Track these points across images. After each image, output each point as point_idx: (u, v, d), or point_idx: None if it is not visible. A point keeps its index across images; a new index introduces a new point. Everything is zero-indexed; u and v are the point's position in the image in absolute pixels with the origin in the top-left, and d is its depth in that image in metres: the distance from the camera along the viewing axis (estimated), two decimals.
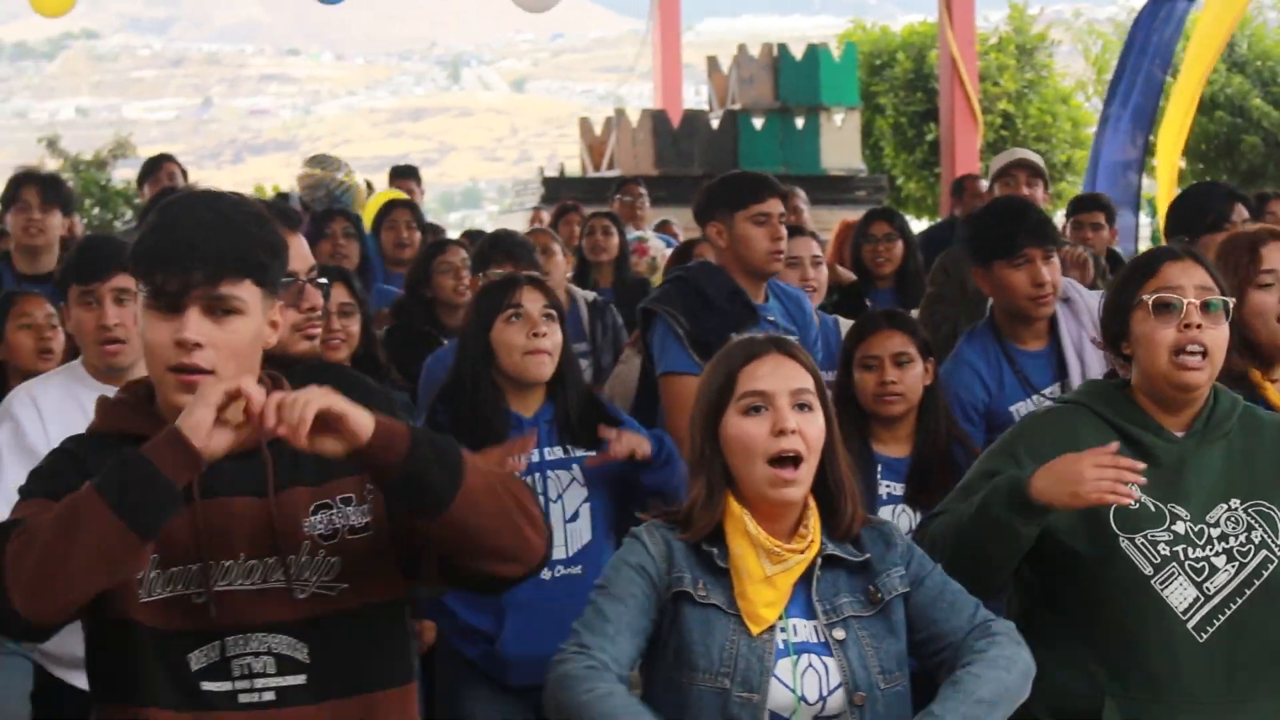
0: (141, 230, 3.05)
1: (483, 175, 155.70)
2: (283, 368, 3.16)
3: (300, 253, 3.90)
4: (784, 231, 6.01)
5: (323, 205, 9.49)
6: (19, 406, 4.75)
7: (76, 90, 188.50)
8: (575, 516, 5.06)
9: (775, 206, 5.95)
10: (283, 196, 11.02)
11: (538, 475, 5.00)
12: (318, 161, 10.31)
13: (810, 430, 3.41)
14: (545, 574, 4.74)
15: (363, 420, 2.83)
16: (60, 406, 4.65)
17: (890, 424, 5.23)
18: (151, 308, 2.96)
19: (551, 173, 18.93)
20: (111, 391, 4.57)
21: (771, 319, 5.94)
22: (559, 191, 16.17)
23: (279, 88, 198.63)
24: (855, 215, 9.57)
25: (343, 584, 3.04)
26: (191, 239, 2.93)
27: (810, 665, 3.39)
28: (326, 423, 2.81)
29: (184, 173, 9.61)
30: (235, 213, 3.01)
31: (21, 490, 3.03)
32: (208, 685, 2.98)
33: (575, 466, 5.08)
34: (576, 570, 5.01)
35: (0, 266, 7.32)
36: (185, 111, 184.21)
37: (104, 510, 2.76)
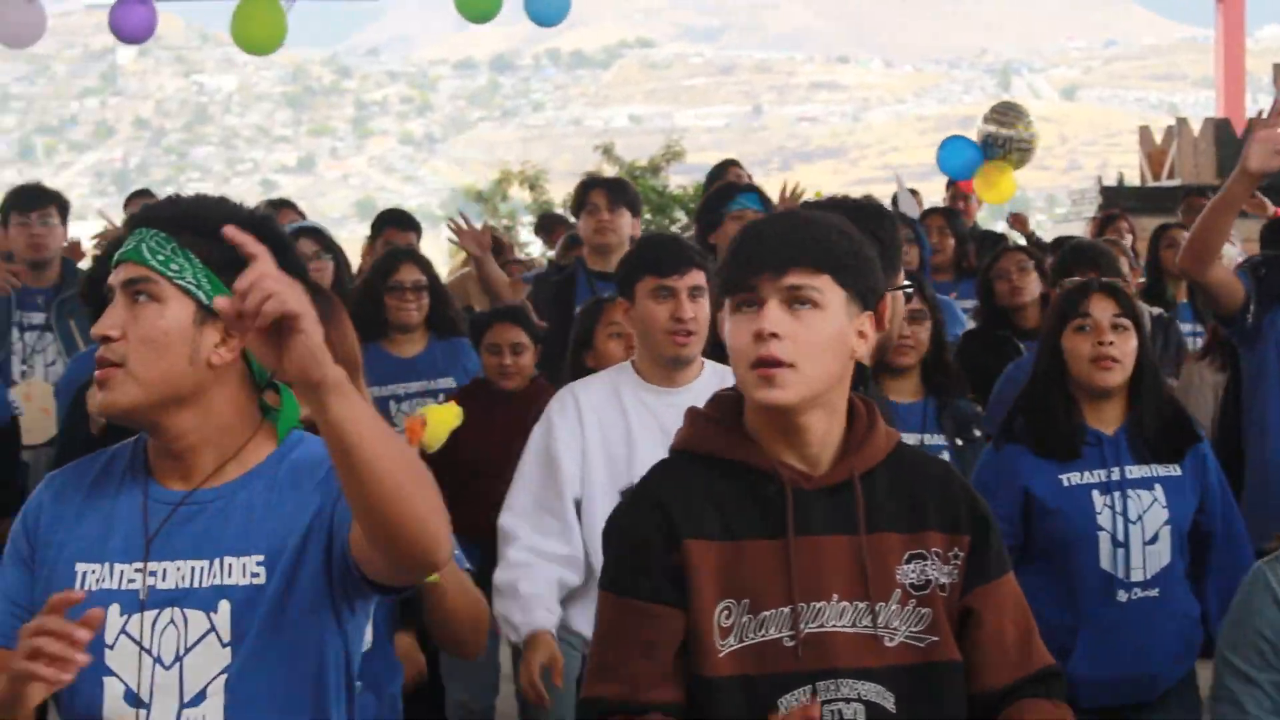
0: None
1: (1030, 183, 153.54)
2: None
3: None
4: None
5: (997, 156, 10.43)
6: (556, 407, 4.82)
7: (630, 98, 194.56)
8: (1155, 539, 4.78)
9: None
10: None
11: (1116, 494, 4.76)
12: (1000, 113, 10.65)
13: None
14: (1122, 595, 4.68)
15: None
16: (600, 407, 4.72)
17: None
18: (733, 309, 2.90)
19: (1109, 182, 18.39)
20: (658, 393, 4.73)
21: None
22: (1117, 200, 15.66)
23: (828, 95, 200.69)
24: None
25: (932, 637, 2.93)
26: (771, 233, 2.91)
27: None
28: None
29: (749, 177, 9.66)
30: (817, 218, 2.94)
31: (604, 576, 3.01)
32: None
33: (1158, 486, 4.81)
34: (1154, 593, 4.76)
35: (575, 267, 7.59)
36: (735, 119, 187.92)
37: None
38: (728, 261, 2.94)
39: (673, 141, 24.53)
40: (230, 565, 2.81)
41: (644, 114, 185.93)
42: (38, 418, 6.78)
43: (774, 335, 2.83)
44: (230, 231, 2.49)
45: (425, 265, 7.19)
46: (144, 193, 10.63)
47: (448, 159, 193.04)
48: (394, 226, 8.74)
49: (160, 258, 2.78)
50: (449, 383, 6.88)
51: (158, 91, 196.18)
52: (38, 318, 7.60)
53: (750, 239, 2.93)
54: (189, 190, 7.41)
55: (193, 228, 2.80)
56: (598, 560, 3.77)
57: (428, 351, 7.02)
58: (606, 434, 4.68)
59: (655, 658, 2.90)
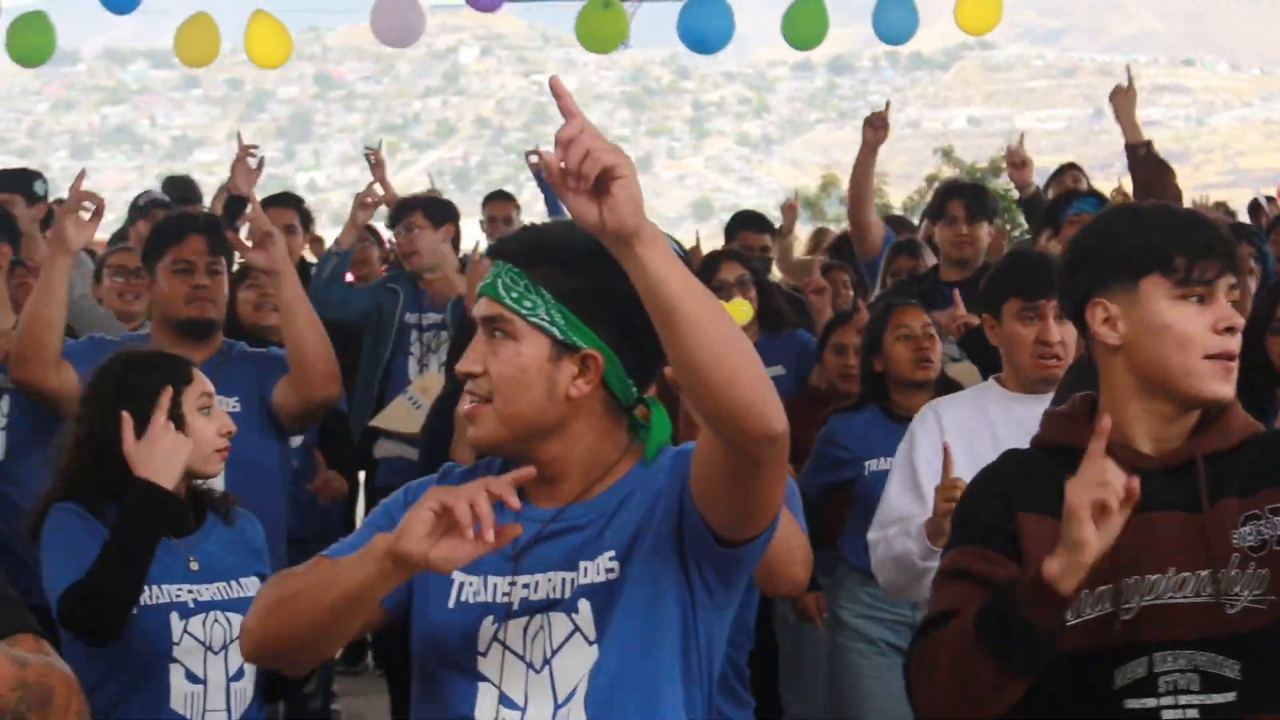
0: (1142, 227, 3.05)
1: None
2: None
3: None
4: None
5: None
6: (920, 423, 4.87)
7: (969, 100, 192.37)
8: None
9: None
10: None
11: None
12: None
13: None
14: None
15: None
16: (964, 422, 4.74)
17: None
18: (1180, 298, 2.98)
19: None
20: (1025, 401, 4.70)
21: None
22: None
23: (1171, 98, 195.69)
24: None
25: (1271, 596, 2.94)
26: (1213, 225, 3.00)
27: None
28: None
29: (1088, 181, 9.52)
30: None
31: (952, 539, 3.13)
32: (1131, 703, 2.96)
33: None
34: None
35: (927, 278, 7.57)
36: (1075, 121, 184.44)
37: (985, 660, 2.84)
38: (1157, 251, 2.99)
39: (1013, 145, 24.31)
40: (586, 567, 2.84)
41: (983, 116, 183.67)
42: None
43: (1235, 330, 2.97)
44: (554, 82, 2.50)
45: (746, 261, 7.21)
46: (501, 194, 10.71)
47: (784, 160, 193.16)
48: (749, 228, 8.74)
49: (514, 295, 2.80)
50: (779, 370, 6.91)
51: (499, 91, 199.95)
52: (434, 317, 7.84)
53: (1202, 230, 3.02)
54: (528, 189, 7.55)
55: (546, 260, 2.82)
56: None
57: (758, 344, 7.04)
58: (973, 444, 4.62)
59: (961, 583, 2.99)
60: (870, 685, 5.84)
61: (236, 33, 11.87)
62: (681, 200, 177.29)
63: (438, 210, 8.18)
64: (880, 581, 4.93)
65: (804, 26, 11.90)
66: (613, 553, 2.84)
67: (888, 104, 8.52)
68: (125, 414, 4.08)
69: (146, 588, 4.03)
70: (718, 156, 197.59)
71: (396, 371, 7.77)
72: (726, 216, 9.24)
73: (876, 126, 8.27)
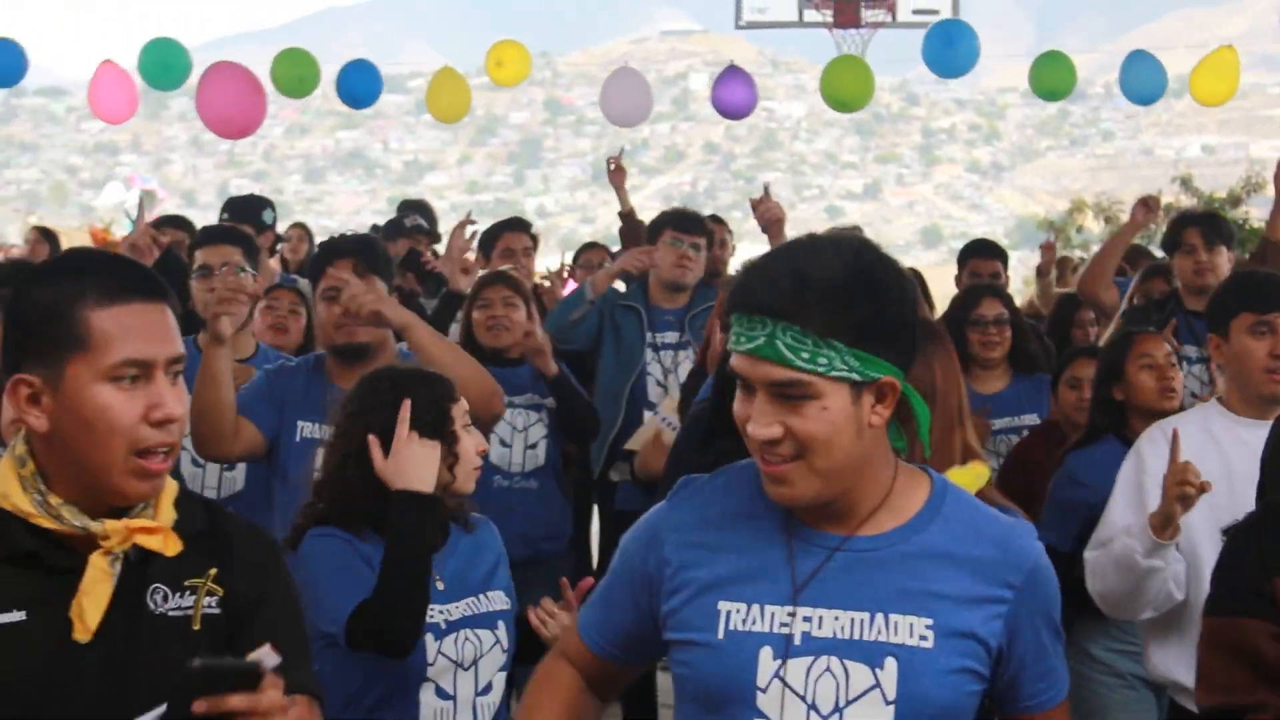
0: None
1: None
2: None
3: None
4: None
5: None
6: (1149, 443, 4.80)
7: (1203, 128, 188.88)
8: None
9: None
10: None
11: None
12: None
13: None
14: None
15: None
16: (1193, 444, 4.59)
17: None
18: None
19: None
20: (1253, 427, 4.56)
21: None
22: None
23: None
24: None
25: None
26: None
27: None
28: None
29: None
30: None
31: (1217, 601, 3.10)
32: None
33: None
34: None
35: (1167, 304, 7.46)
36: None
37: None
38: None
39: (1254, 173, 23.89)
40: (897, 623, 2.75)
41: (1218, 144, 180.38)
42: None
43: None
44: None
45: (1008, 300, 7.10)
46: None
47: (1014, 187, 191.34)
48: (978, 257, 8.65)
49: (804, 356, 2.66)
50: (1033, 419, 6.78)
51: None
52: (671, 337, 7.81)
53: None
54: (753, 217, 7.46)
55: (822, 308, 2.67)
56: (1194, 594, 3.92)
57: (1011, 388, 6.92)
58: (1202, 464, 4.49)
59: (1251, 667, 2.94)
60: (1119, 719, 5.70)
61: (468, 61, 12.15)
62: (910, 227, 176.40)
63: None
64: (1097, 594, 4.80)
65: (1051, 79, 11.90)
66: (930, 621, 2.75)
67: (1159, 195, 8.44)
68: (372, 436, 4.12)
69: None
70: (947, 184, 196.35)
71: (638, 392, 7.77)
72: (955, 244, 9.19)
73: (1151, 208, 8.14)
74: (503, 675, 4.23)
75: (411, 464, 4.09)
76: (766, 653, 2.76)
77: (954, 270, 8.78)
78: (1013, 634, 2.78)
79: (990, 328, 6.82)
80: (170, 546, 2.75)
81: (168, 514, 2.79)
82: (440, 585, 4.16)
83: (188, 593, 2.82)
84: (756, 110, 13.66)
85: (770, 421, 2.69)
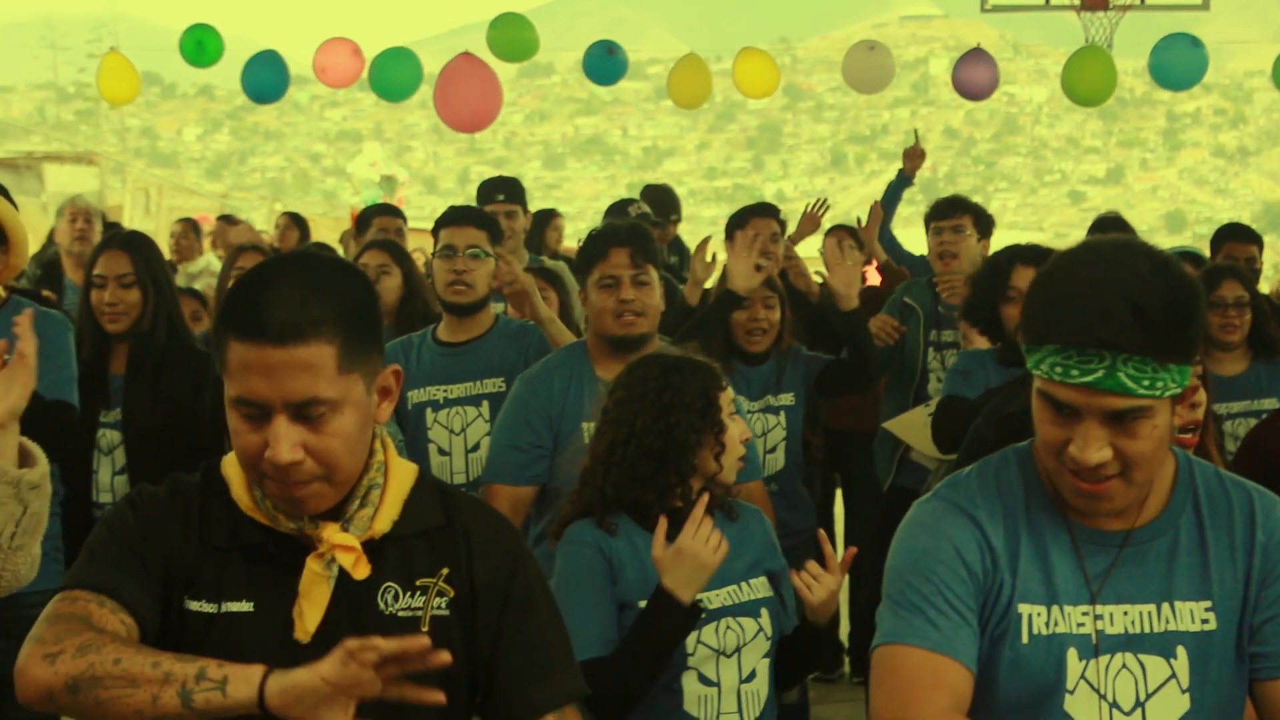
0: None
1: None
2: None
3: None
4: None
5: None
6: None
7: None
8: None
9: None
10: None
11: None
12: None
13: None
14: None
15: None
16: None
17: None
18: None
19: None
20: None
21: None
22: None
23: None
24: None
25: None
26: None
27: None
28: None
29: None
30: None
31: None
32: None
33: None
34: None
35: None
36: None
37: None
38: None
39: None
40: (1180, 610, 2.79)
41: None
42: None
43: None
44: None
45: (1248, 283, 7.01)
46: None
47: (1260, 173, 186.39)
48: (1235, 240, 8.51)
49: (1145, 384, 2.65)
50: (1271, 403, 6.70)
51: (969, 101, 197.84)
52: (949, 334, 7.66)
53: None
54: (997, 200, 7.48)
55: (1158, 332, 2.64)
56: None
57: (1250, 371, 6.88)
58: None
59: None
60: None
61: (708, 47, 12.33)
62: (1154, 213, 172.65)
63: None
64: None
65: None
66: (1209, 603, 2.80)
67: None
68: (663, 517, 4.00)
69: None
70: (1192, 168, 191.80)
71: (920, 393, 7.68)
72: (1200, 230, 9.08)
73: None
74: (766, 662, 4.17)
75: (689, 567, 3.95)
76: (1073, 654, 2.78)
77: (1209, 255, 8.65)
78: (1269, 599, 2.79)
79: (1230, 310, 6.76)
80: (360, 570, 2.72)
81: (390, 514, 2.78)
82: None
83: (418, 592, 2.79)
84: (997, 95, 13.60)
85: (1102, 446, 2.68)
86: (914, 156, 9.95)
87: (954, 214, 7.87)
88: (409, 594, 2.78)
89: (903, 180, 9.92)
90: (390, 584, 2.77)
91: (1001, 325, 6.07)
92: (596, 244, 5.41)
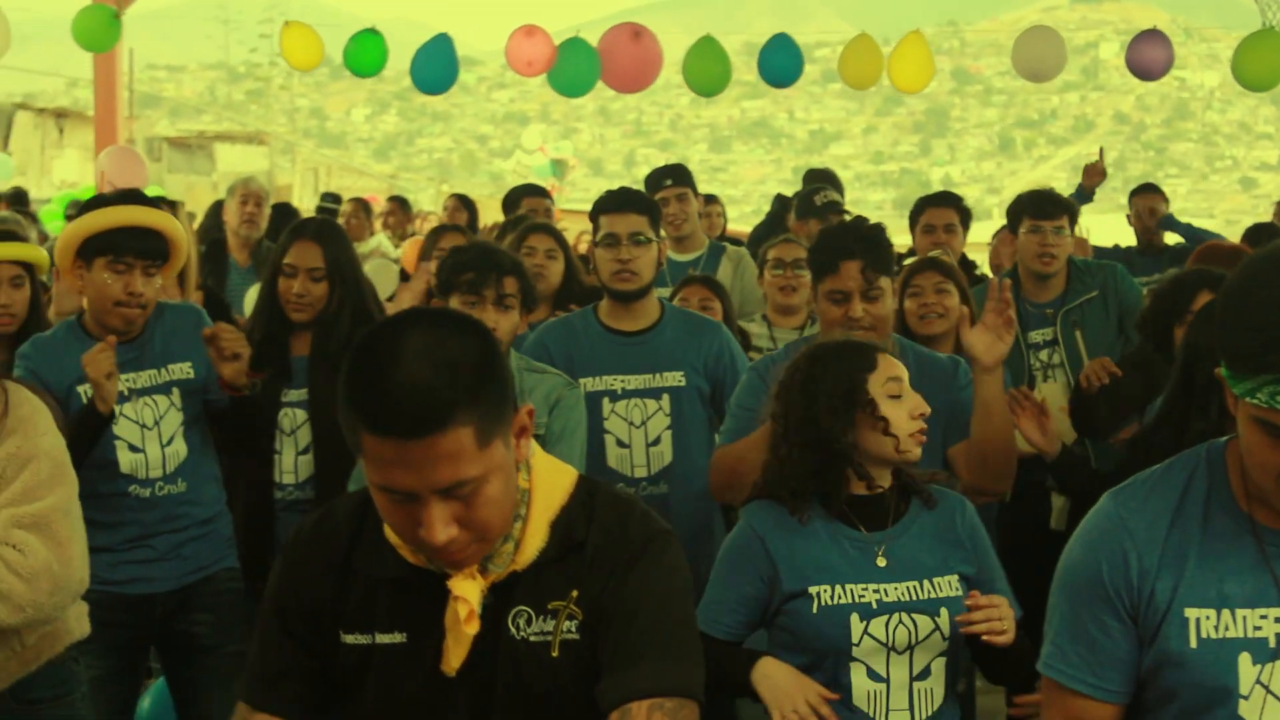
0: None
1: None
2: None
3: None
4: None
5: None
6: None
7: None
8: None
9: None
10: None
11: None
12: None
13: None
14: None
15: None
16: None
17: None
18: None
19: None
20: None
21: None
22: None
23: None
24: None
25: None
26: None
27: None
28: None
29: None
30: None
31: None
32: None
33: None
34: None
35: None
36: None
37: None
38: None
39: None
40: None
41: None
42: (1059, 418, 6.47)
43: None
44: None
45: None
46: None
47: None
48: None
49: None
50: None
51: (1139, 86, 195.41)
52: (1044, 333, 7.48)
53: None
54: (1167, 186, 7.33)
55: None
56: None
57: None
58: None
59: None
60: None
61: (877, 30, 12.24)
62: None
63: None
64: None
65: None
66: None
67: None
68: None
69: (830, 586, 4.01)
70: None
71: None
72: None
73: None
74: (943, 661, 4.05)
75: (780, 687, 4.00)
76: (1245, 658, 2.77)
77: None
78: None
79: None
80: (470, 626, 2.70)
81: (535, 543, 2.76)
82: (881, 562, 4.05)
83: (549, 616, 2.75)
84: (1167, 79, 13.41)
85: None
86: (1094, 174, 9.82)
87: (1056, 214, 7.54)
88: (541, 618, 2.75)
89: (1082, 196, 9.78)
90: (522, 608, 2.76)
91: (1173, 343, 6.00)
92: (826, 254, 5.21)
